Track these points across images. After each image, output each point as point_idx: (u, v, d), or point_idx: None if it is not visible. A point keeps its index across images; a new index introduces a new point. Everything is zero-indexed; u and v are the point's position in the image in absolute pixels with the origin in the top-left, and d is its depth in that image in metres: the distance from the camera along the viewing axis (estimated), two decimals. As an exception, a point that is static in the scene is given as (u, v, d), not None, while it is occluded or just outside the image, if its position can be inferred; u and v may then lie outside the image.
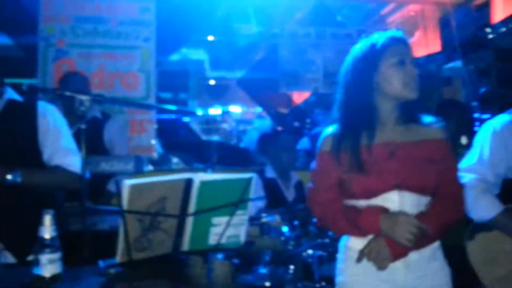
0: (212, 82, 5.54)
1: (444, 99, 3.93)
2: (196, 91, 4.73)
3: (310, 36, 4.10)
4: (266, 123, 5.17)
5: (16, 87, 1.78)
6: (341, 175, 1.45)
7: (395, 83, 1.41)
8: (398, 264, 1.41)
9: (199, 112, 4.72)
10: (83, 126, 1.51)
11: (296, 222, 2.13)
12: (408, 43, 1.47)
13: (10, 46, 4.01)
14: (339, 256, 1.54)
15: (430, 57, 4.31)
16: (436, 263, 1.46)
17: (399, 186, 1.41)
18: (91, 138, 1.60)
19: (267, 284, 2.08)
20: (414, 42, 4.44)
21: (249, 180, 1.46)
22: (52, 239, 1.30)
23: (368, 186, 1.42)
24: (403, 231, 1.33)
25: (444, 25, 4.20)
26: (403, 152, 1.44)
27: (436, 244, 1.47)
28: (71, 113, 2.00)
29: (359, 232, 1.43)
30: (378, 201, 1.42)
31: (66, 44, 3.74)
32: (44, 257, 1.29)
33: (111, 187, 2.78)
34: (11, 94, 1.72)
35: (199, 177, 1.37)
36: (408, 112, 1.47)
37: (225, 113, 5.68)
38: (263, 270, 2.05)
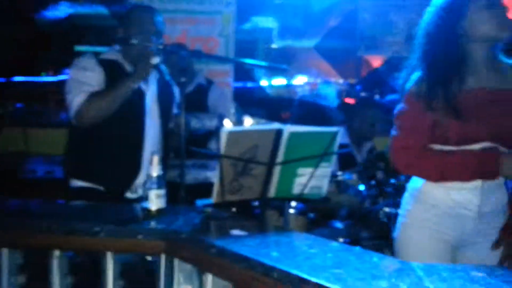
0: (277, 49, 5.50)
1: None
2: (262, 61, 4.77)
3: (394, -3, 3.94)
4: (332, 92, 5.08)
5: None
6: (437, 118, 1.43)
7: (487, 25, 1.40)
8: (470, 214, 1.42)
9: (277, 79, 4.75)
10: (183, 80, 1.65)
11: (373, 182, 2.16)
12: None
13: (106, 15, 4.31)
14: (407, 197, 1.54)
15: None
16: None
17: (495, 137, 1.40)
18: (196, 103, 1.70)
19: (341, 240, 2.16)
20: None
21: (335, 134, 1.53)
22: (158, 177, 1.48)
23: (467, 133, 1.41)
24: None
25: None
26: (503, 100, 1.42)
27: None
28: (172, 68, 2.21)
29: (454, 174, 1.42)
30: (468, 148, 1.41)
31: (154, 10, 3.96)
32: (152, 193, 1.47)
33: (212, 145, 2.94)
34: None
35: (289, 128, 1.46)
36: (498, 56, 1.44)
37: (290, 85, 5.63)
38: (338, 225, 2.12)
